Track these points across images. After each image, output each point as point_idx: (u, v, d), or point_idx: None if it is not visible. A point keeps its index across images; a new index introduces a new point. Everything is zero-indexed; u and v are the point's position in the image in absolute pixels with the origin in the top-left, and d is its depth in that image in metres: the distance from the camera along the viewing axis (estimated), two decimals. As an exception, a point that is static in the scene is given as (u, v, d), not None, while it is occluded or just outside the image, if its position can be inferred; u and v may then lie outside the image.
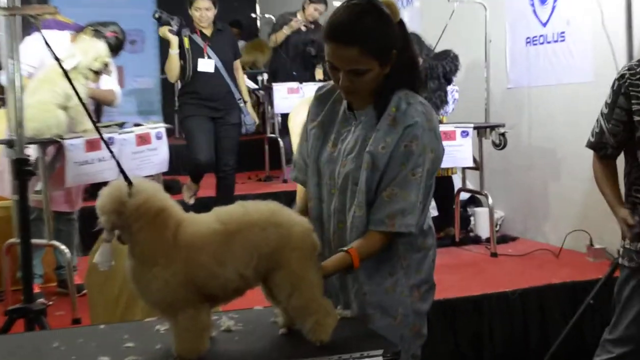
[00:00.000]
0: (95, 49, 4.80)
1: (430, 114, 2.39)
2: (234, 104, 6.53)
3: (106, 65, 4.86)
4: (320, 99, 2.54)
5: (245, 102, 6.60)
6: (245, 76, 7.06)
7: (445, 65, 5.67)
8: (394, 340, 2.31)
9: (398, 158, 2.32)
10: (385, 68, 2.34)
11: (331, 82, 2.52)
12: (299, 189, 2.67)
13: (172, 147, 5.71)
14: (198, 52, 6.38)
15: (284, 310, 2.22)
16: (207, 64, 6.40)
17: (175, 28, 6.36)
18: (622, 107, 3.04)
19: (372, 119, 2.39)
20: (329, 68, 2.34)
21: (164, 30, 6.40)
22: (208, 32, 6.47)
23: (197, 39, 6.40)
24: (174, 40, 6.33)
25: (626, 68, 3.07)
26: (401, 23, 2.39)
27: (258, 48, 10.38)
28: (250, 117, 6.61)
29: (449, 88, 5.74)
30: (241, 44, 10.40)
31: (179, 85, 7.04)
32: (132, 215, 1.97)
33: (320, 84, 2.74)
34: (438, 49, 5.80)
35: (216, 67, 6.42)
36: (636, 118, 3.00)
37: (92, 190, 5.34)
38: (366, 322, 2.41)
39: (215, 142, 6.47)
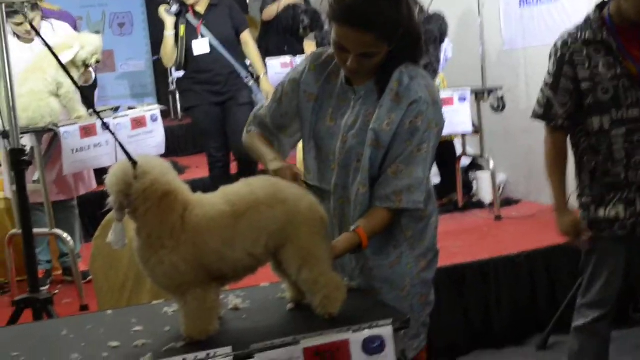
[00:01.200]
0: (93, 45, 4.77)
1: (432, 87, 2.38)
2: (241, 83, 5.99)
3: (98, 62, 4.82)
4: (317, 69, 2.49)
5: (259, 77, 6.06)
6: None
7: (441, 28, 5.63)
8: (403, 311, 2.32)
9: (403, 134, 2.31)
10: (391, 47, 2.31)
11: (327, 51, 2.50)
12: (259, 136, 2.57)
13: (168, 129, 5.70)
14: (192, 34, 5.89)
15: (291, 284, 2.22)
16: (201, 45, 5.90)
17: (173, 9, 5.90)
18: (567, 75, 2.96)
19: (373, 94, 2.38)
20: (337, 49, 2.31)
21: (161, 10, 6.01)
22: (201, 8, 5.94)
23: (191, 18, 5.91)
24: (168, 20, 5.90)
25: (567, 34, 2.99)
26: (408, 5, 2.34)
27: (250, 25, 10.32)
28: (263, 95, 5.97)
29: (443, 46, 5.70)
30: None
31: (174, 68, 6.82)
32: (139, 198, 1.96)
33: None
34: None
35: (212, 47, 5.88)
36: (583, 85, 2.94)
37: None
38: (374, 295, 2.41)
39: (226, 127, 5.94)
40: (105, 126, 2.32)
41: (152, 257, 1.99)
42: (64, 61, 4.52)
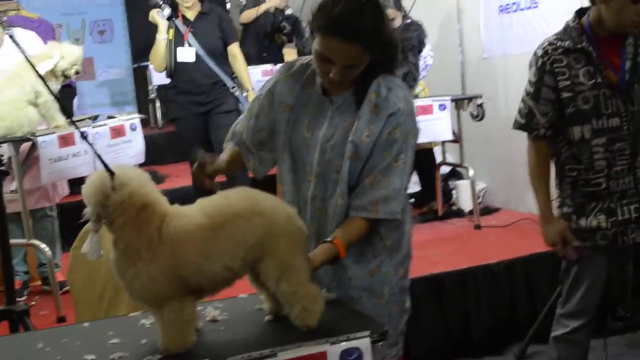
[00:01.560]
0: (74, 56, 4.74)
1: (409, 98, 2.41)
2: (226, 92, 5.71)
3: (77, 72, 4.79)
4: (291, 79, 2.48)
5: (247, 92, 5.76)
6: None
7: (419, 36, 5.65)
8: (382, 319, 2.34)
9: (381, 145, 2.32)
10: (373, 58, 2.31)
11: (299, 60, 2.51)
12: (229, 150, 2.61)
13: (148, 137, 5.67)
14: (179, 40, 5.63)
15: (269, 296, 2.21)
16: (186, 53, 5.63)
17: (166, 12, 5.62)
18: (548, 85, 2.96)
19: (351, 105, 2.38)
20: (319, 59, 2.30)
21: (153, 13, 5.69)
22: (191, 15, 5.68)
23: (180, 24, 5.64)
24: (162, 24, 5.60)
25: (547, 43, 2.99)
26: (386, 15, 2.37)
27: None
28: None
29: (422, 54, 5.71)
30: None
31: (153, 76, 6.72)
32: (116, 210, 1.94)
33: None
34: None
35: (198, 56, 5.61)
36: (564, 95, 2.94)
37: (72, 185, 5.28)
38: (352, 305, 2.41)
39: (210, 136, 5.65)
40: (83, 137, 2.30)
41: (129, 269, 1.97)
42: (42, 71, 4.51)
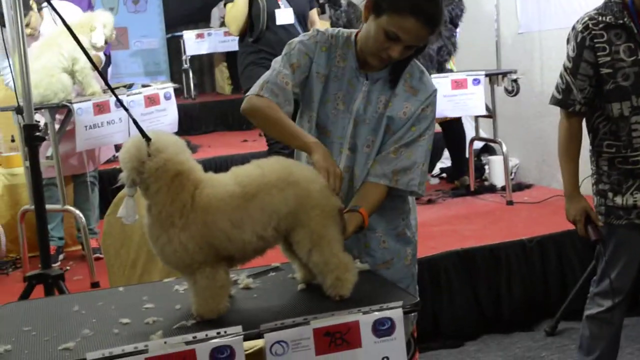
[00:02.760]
0: (110, 21, 4.79)
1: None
2: None
3: (112, 35, 4.85)
4: (327, 51, 2.49)
5: None
6: None
7: (452, 11, 5.60)
8: (407, 280, 2.56)
9: (412, 120, 2.43)
10: None
11: (328, 32, 2.51)
12: (273, 104, 2.38)
13: (181, 107, 5.70)
14: (272, 2, 5.18)
15: (302, 265, 2.22)
16: (285, 15, 5.17)
17: None
18: (588, 60, 2.91)
19: (386, 83, 2.47)
20: (385, 36, 2.31)
21: None
22: None
23: None
24: None
25: (587, 18, 2.93)
26: None
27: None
28: None
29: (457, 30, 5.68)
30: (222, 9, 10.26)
31: (187, 47, 6.57)
32: (151, 176, 1.95)
33: None
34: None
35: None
36: (604, 70, 2.89)
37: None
38: (384, 268, 2.53)
39: None
40: (120, 102, 2.30)
41: (161, 235, 1.99)
42: (100, 43, 4.59)
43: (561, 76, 3.02)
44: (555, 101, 3.06)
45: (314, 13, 5.48)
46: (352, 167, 2.47)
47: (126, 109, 2.22)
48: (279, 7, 5.14)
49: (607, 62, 2.88)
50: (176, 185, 1.96)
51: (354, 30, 2.51)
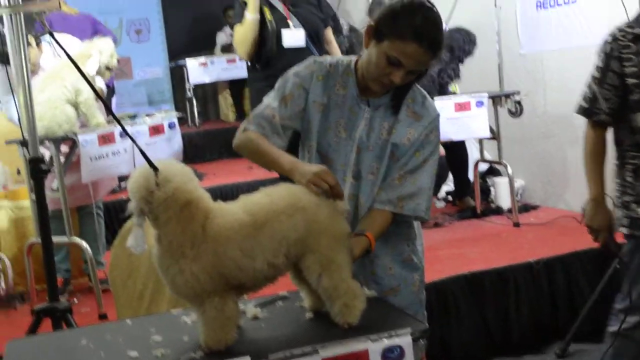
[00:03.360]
0: (108, 47, 4.81)
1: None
2: None
3: (118, 61, 4.87)
4: (324, 79, 2.51)
5: None
6: None
7: (463, 45, 5.64)
8: (415, 306, 2.56)
9: (414, 146, 2.43)
10: None
11: (326, 60, 2.53)
12: (259, 136, 2.43)
13: (186, 136, 5.72)
14: (281, 21, 4.74)
15: (310, 293, 2.22)
16: (294, 36, 4.74)
17: None
18: (614, 70, 2.93)
19: (388, 109, 2.47)
20: (386, 62, 2.33)
21: None
22: None
23: (276, 1, 4.78)
24: (252, 0, 4.67)
25: (617, 30, 2.96)
26: None
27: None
28: None
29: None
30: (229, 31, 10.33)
31: (190, 76, 6.54)
32: (160, 206, 1.95)
33: None
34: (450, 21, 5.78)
35: (305, 40, 4.79)
36: (630, 81, 2.90)
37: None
38: (391, 294, 2.54)
39: None
40: (125, 133, 2.30)
41: (172, 265, 1.98)
42: (92, 72, 4.59)
43: (588, 86, 3.05)
44: (580, 110, 3.07)
45: (329, 32, 5.03)
46: (356, 195, 2.48)
47: (132, 139, 2.23)
48: (287, 26, 4.74)
49: (633, 73, 2.90)
50: (186, 215, 1.96)
51: (354, 57, 2.52)
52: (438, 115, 2.49)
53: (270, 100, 2.49)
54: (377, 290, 2.46)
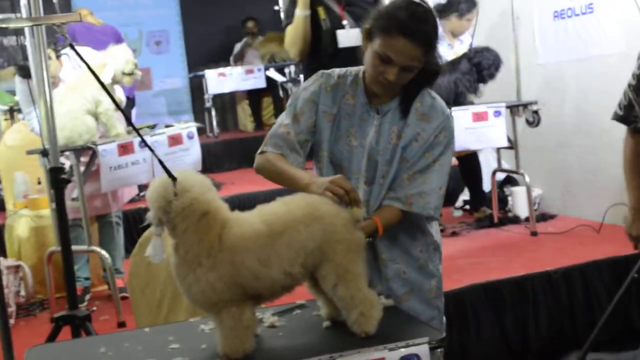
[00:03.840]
0: (123, 53, 4.86)
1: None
2: None
3: (135, 65, 4.90)
4: (333, 90, 2.54)
5: None
6: (272, 69, 5.96)
7: (491, 59, 5.64)
8: (431, 312, 2.56)
9: (425, 147, 2.44)
10: (422, 65, 2.42)
11: (335, 72, 2.57)
12: (276, 156, 2.48)
13: (204, 146, 5.75)
14: (336, 21, 4.46)
15: (327, 301, 2.23)
16: (349, 37, 4.41)
17: None
18: None
19: (397, 114, 2.49)
20: (379, 60, 2.37)
21: None
22: None
23: (330, 1, 4.50)
24: None
25: None
26: None
27: (275, 40, 10.30)
28: None
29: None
30: (259, 39, 10.39)
31: (209, 86, 6.49)
32: (178, 216, 1.97)
33: None
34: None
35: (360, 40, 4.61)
36: None
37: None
38: (404, 300, 2.54)
39: None
40: (144, 143, 2.34)
41: (189, 274, 2.00)
42: (105, 81, 4.62)
43: (624, 93, 3.04)
44: (616, 117, 3.08)
45: None
46: (368, 201, 2.49)
47: (151, 149, 2.26)
48: (342, 27, 4.45)
49: None
50: (203, 225, 1.98)
51: (362, 68, 2.55)
52: (448, 116, 2.49)
53: (283, 118, 2.54)
54: (390, 294, 2.49)
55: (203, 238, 1.98)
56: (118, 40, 5.83)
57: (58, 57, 4.97)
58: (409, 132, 2.45)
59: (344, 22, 4.46)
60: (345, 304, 2.10)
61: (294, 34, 4.45)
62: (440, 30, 3.39)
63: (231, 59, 10.69)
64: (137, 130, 2.46)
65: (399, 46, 2.32)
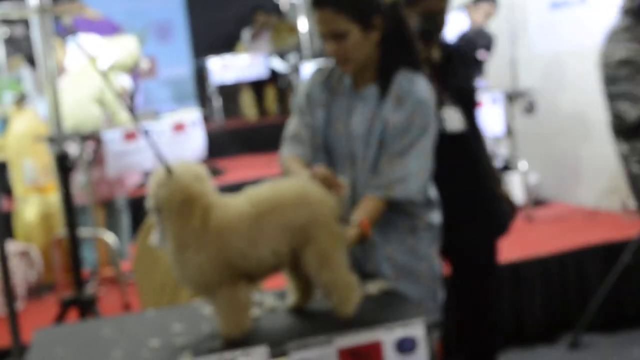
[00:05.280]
0: (128, 46, 4.94)
1: (431, 91, 2.54)
2: None
3: (138, 58, 5.00)
4: (321, 81, 2.65)
5: None
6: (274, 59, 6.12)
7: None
8: (425, 296, 2.57)
9: (398, 129, 2.47)
10: (369, 34, 2.48)
11: (329, 65, 2.66)
12: (289, 158, 2.63)
13: (209, 132, 5.82)
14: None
15: (296, 289, 2.29)
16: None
17: None
18: None
19: (375, 97, 2.54)
20: (322, 39, 2.49)
21: None
22: None
23: None
24: None
25: None
26: (395, 5, 2.52)
27: (285, 31, 10.34)
28: None
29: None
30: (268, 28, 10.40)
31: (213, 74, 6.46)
32: (162, 205, 2.07)
33: None
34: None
35: None
36: None
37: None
38: (394, 284, 2.53)
39: None
40: (143, 132, 2.43)
41: (178, 258, 2.08)
42: (106, 68, 4.72)
43: None
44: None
45: None
46: (352, 180, 2.51)
47: (148, 138, 2.33)
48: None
49: None
50: (185, 212, 2.05)
51: None
52: (422, 100, 2.48)
53: (292, 119, 2.67)
54: (379, 277, 2.52)
55: (186, 224, 2.05)
56: (114, 32, 5.91)
57: (62, 46, 5.05)
58: (385, 115, 2.49)
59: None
60: (328, 288, 2.15)
61: None
62: None
63: (243, 45, 10.69)
64: (137, 121, 2.55)
65: (322, 18, 2.44)
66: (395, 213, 2.55)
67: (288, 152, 2.63)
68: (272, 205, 2.12)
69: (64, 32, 5.04)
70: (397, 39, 2.53)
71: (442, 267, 2.76)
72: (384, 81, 2.53)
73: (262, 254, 2.10)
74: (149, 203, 2.09)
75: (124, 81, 5.18)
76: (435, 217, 2.68)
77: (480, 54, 5.87)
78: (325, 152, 2.62)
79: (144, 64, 5.14)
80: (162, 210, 2.08)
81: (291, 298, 2.32)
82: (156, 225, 2.13)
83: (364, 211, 2.43)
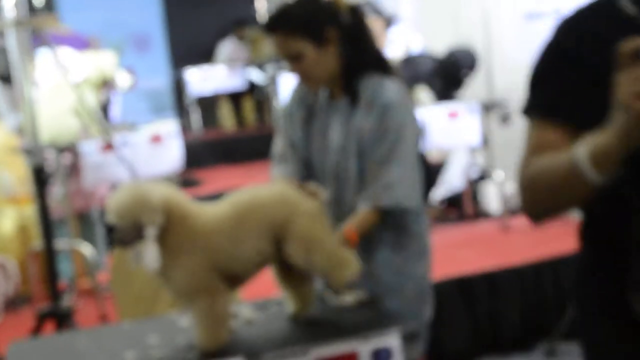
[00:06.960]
0: (102, 62, 4.95)
1: (404, 90, 2.51)
2: None
3: (113, 74, 4.99)
4: (299, 96, 2.66)
5: None
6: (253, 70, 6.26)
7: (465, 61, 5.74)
8: (409, 315, 2.52)
9: (376, 137, 2.44)
10: (325, 49, 2.46)
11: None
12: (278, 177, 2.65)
13: (186, 144, 5.82)
14: None
15: (293, 296, 2.29)
16: None
17: None
18: None
19: (348, 106, 2.51)
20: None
21: None
22: None
23: None
24: None
25: None
26: (354, 11, 2.51)
27: (263, 42, 10.33)
28: None
29: None
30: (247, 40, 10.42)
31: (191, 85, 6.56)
32: (141, 223, 2.05)
33: None
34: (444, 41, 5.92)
35: None
36: None
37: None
38: (380, 301, 2.51)
39: None
40: (115, 147, 2.44)
41: (169, 264, 2.07)
42: (78, 81, 4.73)
43: None
44: None
45: None
46: (338, 195, 2.51)
47: (119, 153, 2.34)
48: None
49: None
50: (166, 227, 2.05)
51: None
52: (390, 101, 2.43)
53: (277, 138, 2.68)
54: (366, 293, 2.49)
55: (169, 236, 2.06)
56: (84, 47, 5.90)
57: (32, 59, 5.03)
58: (358, 123, 2.47)
59: None
60: (325, 272, 2.16)
61: None
62: None
63: (219, 58, 10.70)
64: (110, 134, 2.56)
65: (276, 43, 2.46)
66: (382, 227, 2.50)
67: (277, 172, 2.63)
68: (253, 205, 2.13)
69: (35, 44, 5.02)
70: (358, 43, 2.50)
71: (431, 281, 2.71)
72: (351, 89, 2.50)
73: (248, 253, 2.11)
74: (122, 222, 2.05)
75: (99, 95, 5.18)
76: (423, 223, 2.64)
77: (464, 73, 5.92)
78: (308, 169, 2.62)
79: (123, 81, 5.11)
80: (141, 228, 2.05)
81: (290, 307, 2.31)
82: (149, 245, 2.07)
83: (352, 221, 2.42)
